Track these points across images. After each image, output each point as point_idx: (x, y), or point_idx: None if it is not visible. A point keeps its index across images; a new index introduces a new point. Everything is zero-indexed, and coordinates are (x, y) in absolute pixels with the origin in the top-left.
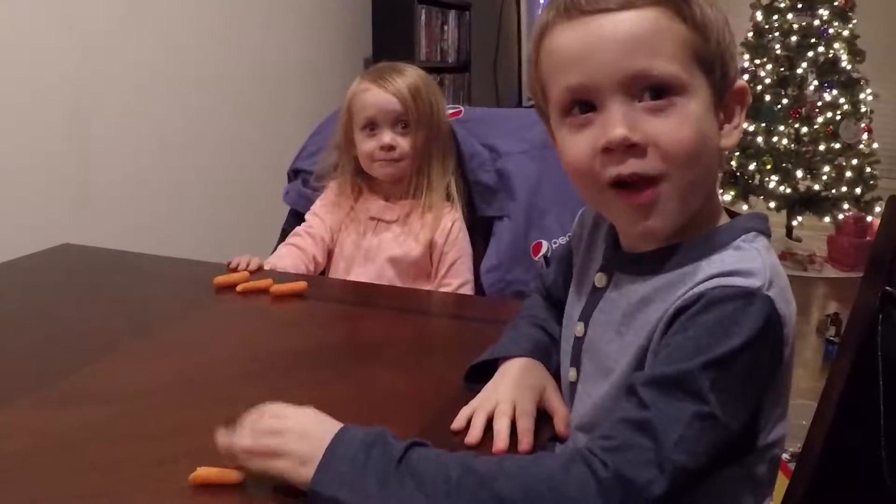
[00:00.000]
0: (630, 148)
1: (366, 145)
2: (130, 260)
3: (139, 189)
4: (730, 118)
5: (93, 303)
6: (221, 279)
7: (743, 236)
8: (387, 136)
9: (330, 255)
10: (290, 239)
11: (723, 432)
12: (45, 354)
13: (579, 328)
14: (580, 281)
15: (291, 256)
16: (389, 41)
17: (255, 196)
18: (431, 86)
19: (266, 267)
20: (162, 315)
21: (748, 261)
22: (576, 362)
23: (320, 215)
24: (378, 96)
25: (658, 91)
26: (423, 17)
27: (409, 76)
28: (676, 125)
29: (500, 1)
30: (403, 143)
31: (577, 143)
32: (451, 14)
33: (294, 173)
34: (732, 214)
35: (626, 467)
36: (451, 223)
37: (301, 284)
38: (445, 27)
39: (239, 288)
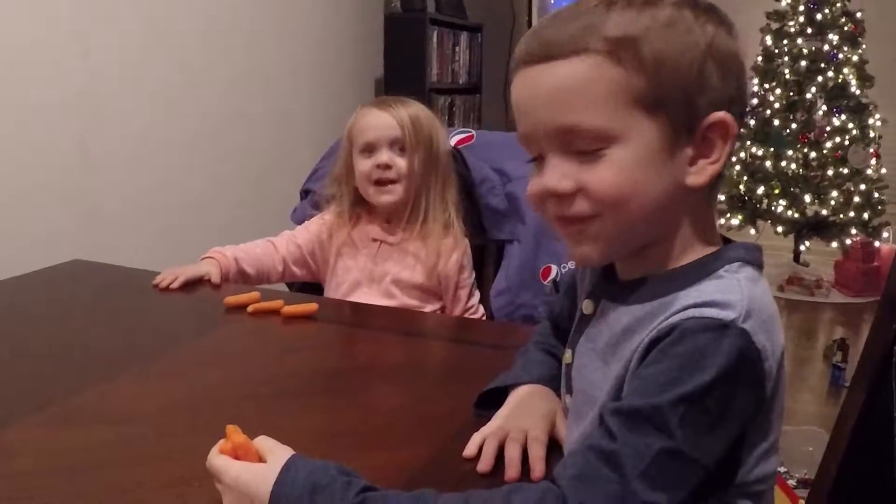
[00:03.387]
0: (558, 197)
1: (363, 166)
2: (140, 277)
3: (149, 206)
4: (707, 152)
5: (102, 320)
6: (232, 299)
7: (727, 266)
8: (384, 156)
9: (312, 272)
10: (273, 238)
11: (693, 467)
12: (54, 372)
13: (567, 355)
14: (578, 308)
15: (262, 247)
16: (401, 62)
17: (266, 215)
18: (433, 119)
19: (230, 253)
20: (172, 335)
21: (726, 291)
22: (569, 389)
23: (311, 230)
24: (378, 118)
25: (587, 142)
26: (434, 39)
27: (411, 106)
28: (603, 173)
29: (511, 23)
30: (400, 163)
31: (531, 184)
32: (463, 36)
33: (305, 193)
34: (729, 242)
35: (590, 500)
36: (452, 255)
37: (312, 306)
38: (457, 49)
39: (250, 309)
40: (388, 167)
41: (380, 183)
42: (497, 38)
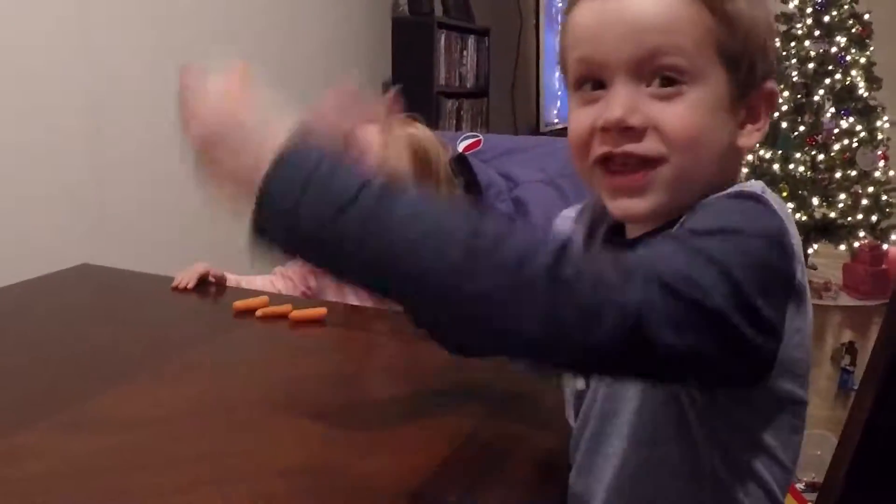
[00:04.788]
0: (626, 130)
1: None
2: (149, 282)
3: (158, 210)
4: (754, 119)
5: (112, 325)
6: (241, 304)
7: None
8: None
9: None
10: (271, 275)
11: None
12: (64, 377)
13: (580, 381)
14: None
15: (260, 280)
16: (409, 66)
17: None
18: (434, 144)
19: (231, 281)
20: (181, 339)
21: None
22: (579, 415)
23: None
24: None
25: (668, 78)
26: (442, 42)
27: (417, 129)
28: (681, 111)
29: (518, 26)
30: None
31: (580, 118)
32: (471, 39)
33: None
34: None
35: (692, 271)
36: None
37: (321, 311)
38: (464, 52)
39: (258, 313)
40: None
41: None
42: (504, 42)
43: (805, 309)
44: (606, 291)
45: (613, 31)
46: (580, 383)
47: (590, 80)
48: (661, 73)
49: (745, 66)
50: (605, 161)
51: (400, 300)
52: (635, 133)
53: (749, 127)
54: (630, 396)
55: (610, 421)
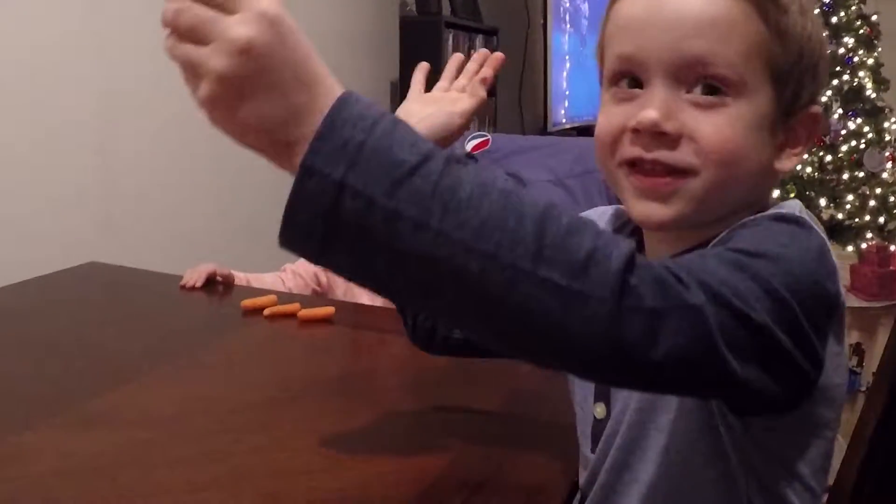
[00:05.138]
0: (659, 136)
1: None
2: (157, 280)
3: (167, 210)
4: (794, 143)
5: (119, 323)
6: (248, 303)
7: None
8: None
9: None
10: (280, 272)
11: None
12: (71, 375)
13: (599, 408)
14: None
15: (270, 277)
16: (416, 65)
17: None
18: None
19: (240, 280)
20: (189, 338)
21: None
22: (597, 447)
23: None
24: None
25: (711, 86)
26: (450, 42)
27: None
28: (720, 123)
29: (526, 26)
30: None
31: (612, 115)
32: (479, 39)
33: None
34: None
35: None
36: None
37: (329, 310)
38: (472, 52)
39: (266, 312)
40: None
41: None
42: (512, 42)
43: (843, 333)
44: (670, 298)
45: (661, 29)
46: (599, 411)
47: (627, 77)
48: (704, 81)
49: (792, 86)
50: (633, 164)
51: (452, 298)
52: (668, 140)
53: (788, 151)
54: (662, 425)
55: (638, 449)
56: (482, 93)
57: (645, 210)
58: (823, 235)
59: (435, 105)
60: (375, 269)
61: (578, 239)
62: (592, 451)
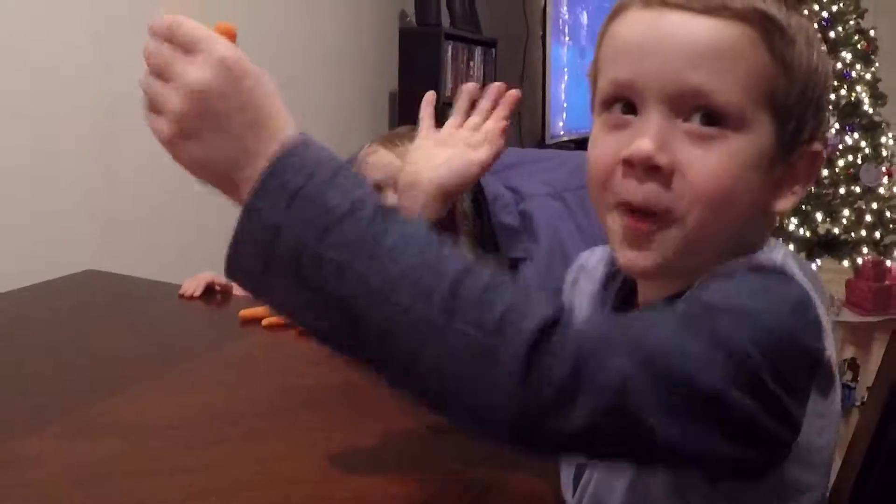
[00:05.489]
0: (652, 169)
1: None
2: (155, 289)
3: (166, 217)
4: (792, 181)
5: (117, 332)
6: (247, 312)
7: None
8: (390, 200)
9: None
10: None
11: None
12: (70, 383)
13: None
14: None
15: None
16: (415, 76)
17: None
18: None
19: (237, 290)
20: (187, 347)
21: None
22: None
23: None
24: (384, 157)
25: (710, 118)
26: (449, 53)
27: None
28: (715, 159)
29: (525, 39)
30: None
31: (605, 144)
32: (478, 50)
33: None
34: None
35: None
36: None
37: None
38: (471, 63)
39: (264, 322)
40: None
41: None
42: (511, 53)
43: (832, 392)
44: (586, 368)
45: (661, 57)
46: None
47: (621, 101)
48: (704, 111)
49: (795, 121)
50: (626, 207)
51: (376, 348)
52: (661, 175)
53: (786, 189)
54: (628, 475)
55: (606, 500)
56: (500, 142)
57: (627, 257)
58: (809, 284)
59: (450, 146)
60: (306, 310)
61: (495, 297)
62: (573, 496)
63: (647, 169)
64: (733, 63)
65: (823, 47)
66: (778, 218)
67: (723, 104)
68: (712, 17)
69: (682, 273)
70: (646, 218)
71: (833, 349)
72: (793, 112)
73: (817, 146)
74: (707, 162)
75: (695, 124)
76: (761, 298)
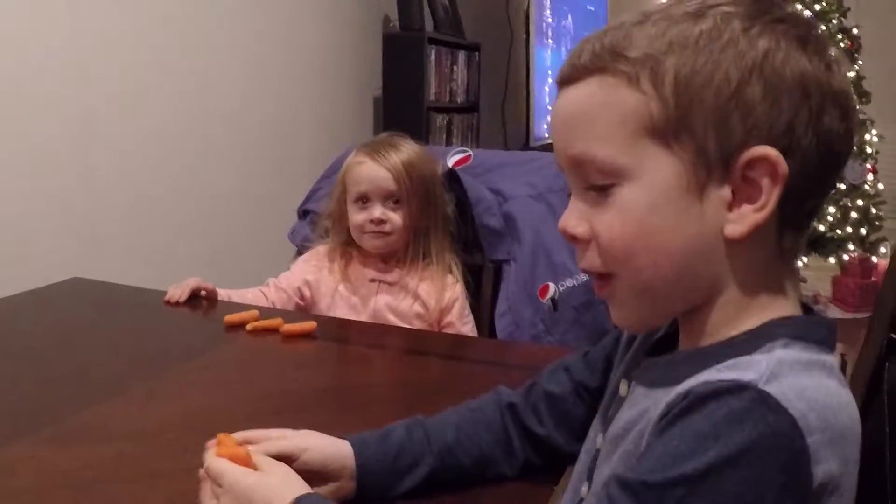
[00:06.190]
0: (575, 239)
1: (357, 217)
2: (139, 295)
3: (149, 224)
4: (749, 197)
5: (102, 339)
6: (231, 318)
7: (767, 345)
8: (377, 211)
9: (303, 310)
10: (262, 286)
11: None
12: (54, 390)
13: (599, 440)
14: (612, 386)
15: (252, 292)
16: (399, 81)
17: (265, 234)
18: (427, 161)
19: (222, 296)
20: (171, 353)
21: (749, 361)
22: (589, 477)
23: (294, 274)
24: (372, 170)
25: (595, 175)
26: (432, 57)
27: (403, 152)
28: (610, 219)
29: (509, 42)
30: (395, 218)
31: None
32: (461, 54)
33: (303, 213)
34: (809, 311)
35: None
36: (452, 300)
37: (311, 324)
38: (455, 67)
39: (249, 327)
40: (381, 222)
41: (373, 233)
42: (495, 57)
43: (837, 493)
44: None
45: (554, 132)
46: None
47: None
48: (591, 176)
49: (706, 135)
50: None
51: None
52: (585, 242)
53: (745, 207)
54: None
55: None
56: None
57: (612, 315)
58: (801, 401)
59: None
60: None
61: None
62: (587, 480)
63: (572, 239)
64: (597, 117)
65: (766, 41)
66: (744, 240)
67: (597, 163)
68: (573, 84)
69: (678, 313)
70: (598, 280)
71: (844, 462)
72: (697, 127)
73: (759, 150)
74: (605, 222)
75: (591, 191)
76: (716, 449)
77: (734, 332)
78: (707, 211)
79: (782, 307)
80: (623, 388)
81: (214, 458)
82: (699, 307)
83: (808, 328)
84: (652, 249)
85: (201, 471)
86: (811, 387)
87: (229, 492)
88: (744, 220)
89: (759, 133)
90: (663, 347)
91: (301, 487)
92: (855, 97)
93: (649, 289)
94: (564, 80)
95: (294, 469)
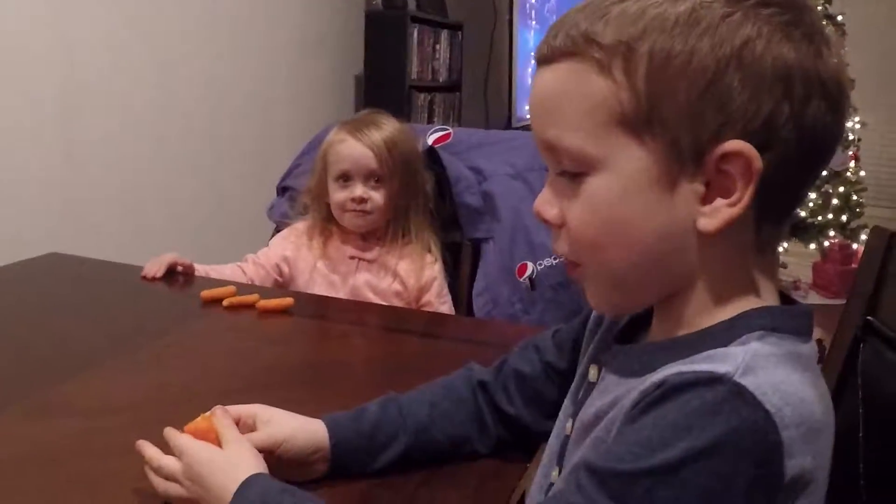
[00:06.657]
0: (548, 223)
1: (338, 195)
2: (117, 271)
3: (128, 199)
4: (726, 190)
5: (78, 314)
6: (208, 293)
7: (742, 337)
8: (358, 189)
9: (281, 286)
10: (241, 262)
11: None
12: (28, 365)
13: (569, 425)
14: (581, 369)
15: (230, 268)
16: (381, 59)
17: (245, 210)
18: (409, 139)
19: (199, 271)
20: (147, 328)
21: (725, 353)
22: (560, 462)
23: (273, 250)
24: (353, 149)
25: (568, 162)
26: (415, 36)
27: (385, 130)
28: (580, 209)
29: (492, 22)
30: (376, 197)
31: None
32: (444, 33)
33: (283, 190)
34: (788, 300)
35: None
36: (431, 278)
37: (288, 301)
38: (437, 46)
39: (225, 303)
40: (363, 201)
41: (354, 212)
42: (478, 37)
43: (810, 488)
44: None
45: (531, 113)
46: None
47: None
48: (563, 162)
49: (679, 125)
50: None
51: None
52: (556, 226)
53: (719, 202)
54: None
55: None
56: None
57: (587, 299)
58: (777, 395)
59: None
60: None
61: None
62: (557, 466)
63: (545, 222)
64: (568, 103)
65: (747, 28)
66: (716, 235)
67: (569, 151)
68: (548, 64)
69: (651, 302)
70: (570, 263)
71: (817, 455)
72: (670, 118)
73: (734, 144)
74: (575, 211)
75: (563, 177)
76: (685, 443)
77: (709, 323)
78: (679, 204)
79: (759, 298)
80: (593, 372)
81: (177, 434)
82: (674, 296)
83: (785, 318)
84: (620, 242)
85: (139, 443)
86: (787, 380)
87: (188, 469)
88: (717, 214)
89: (734, 126)
90: (631, 333)
91: (255, 466)
92: (847, 83)
93: (618, 278)
94: (541, 60)
95: (278, 455)
